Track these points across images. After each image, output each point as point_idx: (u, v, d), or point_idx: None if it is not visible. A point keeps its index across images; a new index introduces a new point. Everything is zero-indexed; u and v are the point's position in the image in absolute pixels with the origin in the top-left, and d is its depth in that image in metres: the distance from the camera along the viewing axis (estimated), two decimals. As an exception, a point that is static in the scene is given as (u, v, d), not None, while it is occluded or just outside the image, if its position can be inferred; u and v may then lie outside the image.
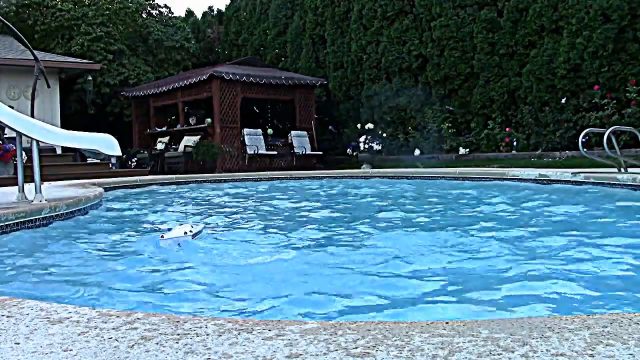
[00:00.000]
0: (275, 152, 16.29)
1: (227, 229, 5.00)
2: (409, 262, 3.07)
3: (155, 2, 21.86)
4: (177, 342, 1.25)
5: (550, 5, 12.96)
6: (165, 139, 17.02)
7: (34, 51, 9.11)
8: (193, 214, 6.10)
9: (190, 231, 3.83)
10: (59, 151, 13.87)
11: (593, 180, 7.11)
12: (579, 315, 1.37)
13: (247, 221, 5.55)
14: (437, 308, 2.21)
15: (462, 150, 14.25)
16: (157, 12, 21.83)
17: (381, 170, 12.53)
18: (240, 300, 2.41)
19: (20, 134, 5.09)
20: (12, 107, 5.33)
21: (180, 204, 7.64)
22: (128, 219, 5.75)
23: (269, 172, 12.99)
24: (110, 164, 14.40)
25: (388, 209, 5.98)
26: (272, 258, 3.41)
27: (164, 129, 17.51)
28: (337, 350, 1.18)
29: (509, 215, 5.19)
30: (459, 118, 15.08)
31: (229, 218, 5.77)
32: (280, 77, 16.62)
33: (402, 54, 15.79)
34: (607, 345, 1.16)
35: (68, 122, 14.59)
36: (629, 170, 7.25)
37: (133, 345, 1.24)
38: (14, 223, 4.16)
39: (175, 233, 3.81)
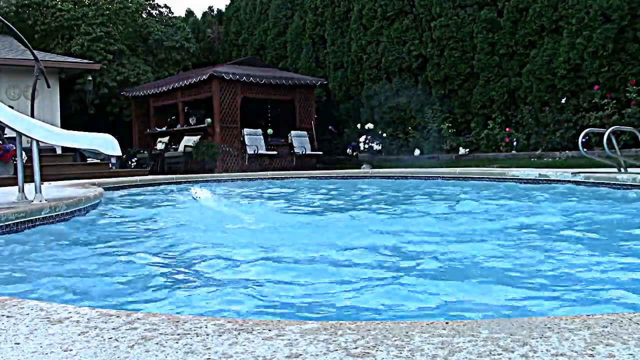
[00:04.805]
0: (275, 152, 16.28)
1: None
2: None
3: (155, 2, 21.86)
4: (177, 342, 1.25)
5: (550, 5, 12.95)
6: (165, 139, 17.02)
7: (34, 51, 9.11)
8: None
9: None
10: (59, 151, 13.87)
11: (593, 180, 7.11)
12: (579, 315, 1.36)
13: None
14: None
15: (462, 150, 14.24)
16: (157, 12, 21.83)
17: (381, 170, 12.52)
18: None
19: (20, 134, 5.09)
20: (12, 107, 5.33)
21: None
22: (128, 218, 5.74)
23: (270, 172, 12.98)
24: (110, 164, 14.39)
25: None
26: None
27: (164, 129, 17.50)
28: (337, 350, 1.17)
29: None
30: (459, 118, 15.07)
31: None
32: (280, 77, 16.62)
33: (402, 54, 15.78)
34: (607, 345, 1.16)
35: (68, 122, 14.58)
36: (629, 170, 7.25)
37: (133, 345, 1.24)
38: (13, 223, 4.16)
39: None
